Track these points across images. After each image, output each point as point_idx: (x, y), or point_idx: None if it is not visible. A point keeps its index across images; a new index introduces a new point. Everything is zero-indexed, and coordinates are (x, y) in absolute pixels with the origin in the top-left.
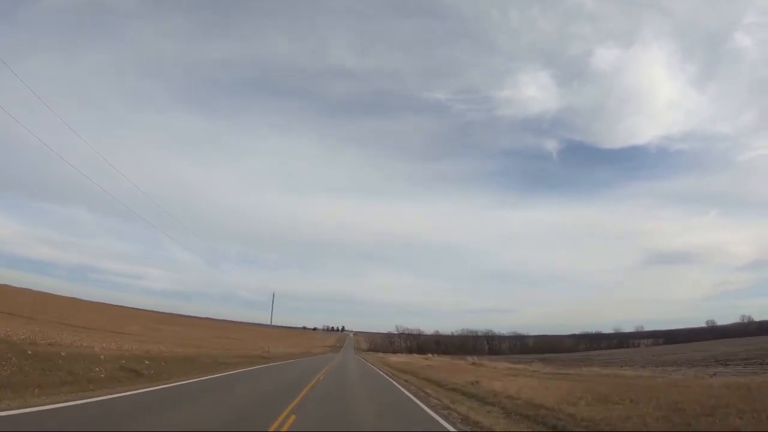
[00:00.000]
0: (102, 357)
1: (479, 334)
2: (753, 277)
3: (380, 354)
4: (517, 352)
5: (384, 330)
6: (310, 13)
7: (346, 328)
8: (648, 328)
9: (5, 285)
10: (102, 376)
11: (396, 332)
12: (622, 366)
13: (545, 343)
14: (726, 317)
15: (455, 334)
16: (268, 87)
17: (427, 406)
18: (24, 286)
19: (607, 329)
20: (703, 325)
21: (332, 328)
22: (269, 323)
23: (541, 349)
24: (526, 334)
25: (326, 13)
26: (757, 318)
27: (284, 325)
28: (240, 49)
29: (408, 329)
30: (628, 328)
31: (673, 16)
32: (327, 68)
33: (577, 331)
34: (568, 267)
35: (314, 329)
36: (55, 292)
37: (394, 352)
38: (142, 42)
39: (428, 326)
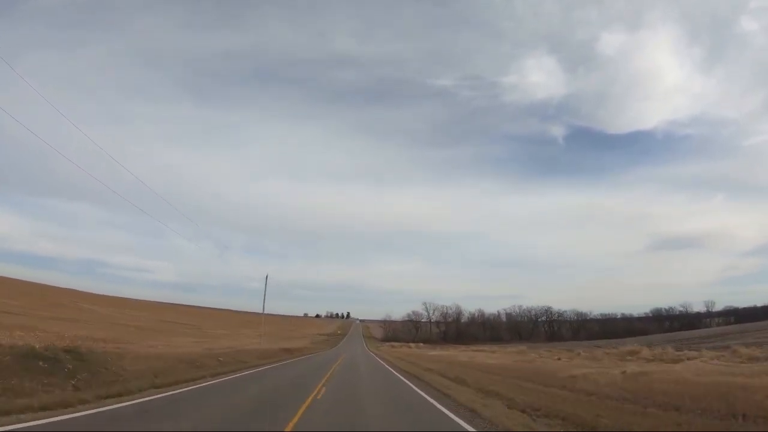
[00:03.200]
0: None
1: (536, 314)
2: None
3: (470, 355)
4: (583, 337)
5: (394, 318)
6: (311, 0)
7: (351, 315)
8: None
9: None
10: None
11: (424, 315)
12: None
13: (612, 325)
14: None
15: (503, 313)
16: (270, 76)
17: None
18: None
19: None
20: None
21: (336, 314)
22: (262, 311)
23: (611, 332)
24: (588, 316)
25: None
26: None
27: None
28: (241, 38)
29: (446, 307)
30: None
31: None
32: (330, 56)
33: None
34: (577, 252)
35: (316, 316)
36: None
37: (426, 342)
38: (142, 33)
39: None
